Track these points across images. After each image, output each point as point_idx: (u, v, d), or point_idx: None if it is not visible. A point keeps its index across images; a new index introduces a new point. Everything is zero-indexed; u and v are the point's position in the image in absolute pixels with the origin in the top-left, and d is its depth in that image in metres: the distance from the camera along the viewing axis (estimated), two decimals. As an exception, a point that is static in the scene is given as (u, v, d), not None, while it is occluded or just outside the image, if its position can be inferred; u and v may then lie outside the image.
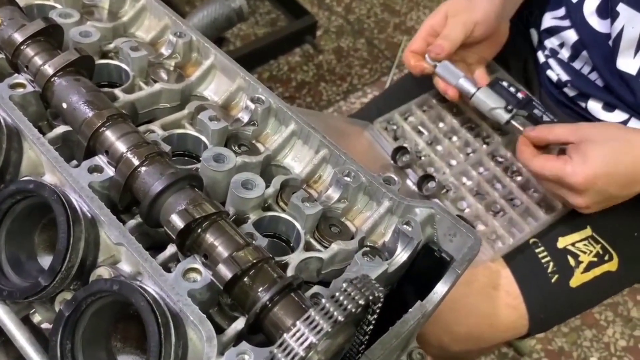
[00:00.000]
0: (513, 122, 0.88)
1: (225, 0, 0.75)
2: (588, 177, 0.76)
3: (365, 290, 0.36)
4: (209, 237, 0.41)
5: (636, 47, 0.85)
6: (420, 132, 1.00)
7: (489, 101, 0.89)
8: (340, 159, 0.52)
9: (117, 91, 0.56)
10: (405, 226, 0.48)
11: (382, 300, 0.38)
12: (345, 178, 0.50)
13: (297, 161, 0.55)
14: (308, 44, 2.29)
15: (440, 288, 0.46)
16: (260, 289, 0.39)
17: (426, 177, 0.92)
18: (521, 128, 0.87)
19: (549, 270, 0.86)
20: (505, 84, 0.92)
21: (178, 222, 0.40)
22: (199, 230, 0.41)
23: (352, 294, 0.35)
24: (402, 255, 0.48)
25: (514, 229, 0.89)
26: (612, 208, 0.91)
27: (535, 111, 0.90)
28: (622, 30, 0.85)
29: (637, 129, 0.80)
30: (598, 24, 0.89)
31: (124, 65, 0.58)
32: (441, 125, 1.01)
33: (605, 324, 1.64)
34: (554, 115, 1.01)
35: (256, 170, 0.52)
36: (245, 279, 0.39)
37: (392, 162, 0.96)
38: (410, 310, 0.43)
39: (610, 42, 0.87)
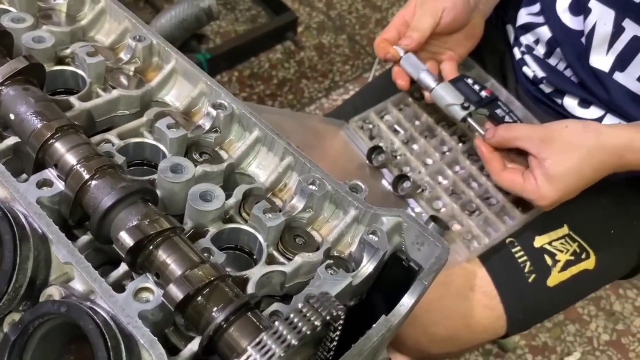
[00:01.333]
0: (469, 120, 0.85)
1: (194, 0, 0.72)
2: (554, 199, 0.77)
3: (323, 310, 0.34)
4: (161, 255, 0.39)
5: (608, 44, 0.84)
6: (396, 131, 0.99)
7: (447, 97, 0.86)
8: (305, 166, 0.50)
9: (72, 99, 0.53)
10: (371, 236, 0.46)
11: (342, 317, 0.37)
12: (310, 187, 0.49)
13: (262, 169, 0.53)
14: (289, 40, 2.27)
15: (406, 300, 0.44)
16: (215, 309, 0.37)
17: (401, 177, 0.91)
18: (477, 127, 0.84)
19: (526, 270, 0.85)
20: (470, 81, 0.89)
21: (127, 239, 0.39)
22: (151, 248, 0.40)
23: (307, 314, 0.34)
24: (367, 266, 0.46)
25: (490, 228, 0.88)
26: (589, 207, 0.90)
27: (498, 111, 0.87)
28: (594, 27, 0.84)
29: (594, 130, 0.77)
30: (571, 21, 0.88)
31: (80, 72, 0.56)
32: (417, 123, 0.99)
33: (588, 319, 1.65)
34: (532, 112, 1.00)
35: (218, 180, 0.50)
36: (199, 299, 0.38)
37: (367, 161, 0.94)
38: (374, 325, 0.41)
39: (583, 39, 0.87)
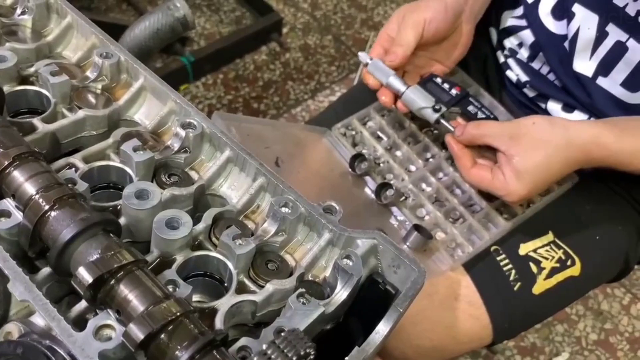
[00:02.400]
0: (443, 121, 0.84)
1: (168, 10, 0.70)
2: (522, 195, 0.77)
3: (290, 351, 0.33)
4: (123, 291, 0.38)
5: (592, 48, 0.83)
6: (379, 138, 0.97)
7: (418, 100, 0.84)
8: (278, 188, 0.49)
9: (36, 121, 0.51)
10: (345, 260, 0.45)
11: (313, 354, 0.35)
12: (283, 209, 0.47)
13: (235, 189, 0.51)
14: (274, 41, 2.25)
15: (382, 328, 0.43)
16: (179, 347, 0.36)
17: (384, 185, 0.89)
18: (451, 128, 0.83)
19: (511, 278, 0.84)
20: (439, 80, 0.88)
21: (86, 276, 0.37)
22: (112, 283, 0.38)
23: (272, 357, 0.32)
24: (341, 293, 0.45)
25: (474, 236, 0.87)
26: (573, 213, 0.90)
27: (470, 108, 0.86)
28: (577, 31, 0.83)
29: (562, 126, 0.76)
30: (554, 25, 0.87)
31: (44, 91, 0.54)
32: (400, 130, 0.98)
33: (576, 318, 1.65)
34: (515, 116, 0.99)
35: (188, 203, 0.49)
36: (162, 337, 0.36)
37: (350, 170, 0.93)
38: (346, 358, 0.40)
39: (566, 44, 0.85)
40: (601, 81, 0.85)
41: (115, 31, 1.21)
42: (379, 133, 0.98)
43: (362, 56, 0.88)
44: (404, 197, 0.91)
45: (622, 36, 0.80)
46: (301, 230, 0.49)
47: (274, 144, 0.84)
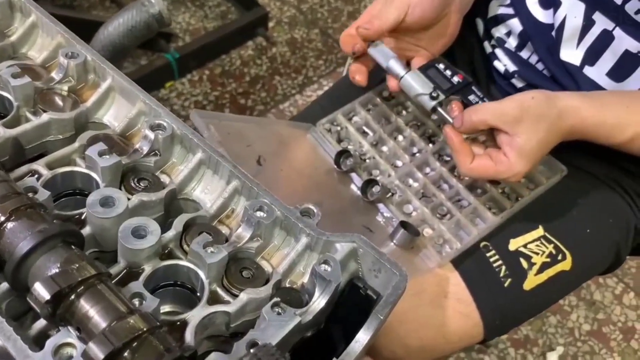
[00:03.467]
0: (440, 110, 0.79)
1: (143, 6, 0.67)
2: (525, 172, 0.75)
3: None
4: (83, 306, 0.35)
5: (579, 37, 0.81)
6: (365, 133, 0.95)
7: (416, 86, 0.80)
8: (252, 191, 0.46)
9: (-3, 126, 0.49)
10: (323, 266, 0.43)
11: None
12: (258, 213, 0.45)
13: (208, 193, 0.49)
14: (260, 36, 2.21)
15: (362, 336, 0.41)
16: (143, 366, 0.34)
17: (370, 182, 0.87)
18: (449, 118, 0.79)
19: (501, 274, 0.83)
20: (441, 66, 0.83)
21: (42, 292, 0.35)
22: (72, 298, 0.36)
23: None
24: (319, 301, 0.43)
25: (462, 231, 0.85)
26: (564, 206, 0.88)
27: (471, 97, 0.81)
28: (564, 20, 0.81)
29: (553, 95, 0.75)
30: (541, 14, 0.85)
31: (6, 94, 0.51)
32: (386, 124, 0.96)
33: (569, 309, 1.64)
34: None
35: (158, 208, 0.46)
36: (125, 355, 0.34)
37: (335, 166, 0.90)
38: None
39: (553, 33, 0.83)
40: (588, 70, 0.83)
41: (96, 29, 1.18)
42: (365, 128, 0.96)
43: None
44: (390, 194, 0.89)
45: (608, 25, 0.78)
46: (278, 234, 0.47)
47: (255, 142, 0.81)
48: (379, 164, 0.91)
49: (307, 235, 0.45)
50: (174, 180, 0.48)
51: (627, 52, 0.79)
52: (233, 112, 2.02)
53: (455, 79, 0.83)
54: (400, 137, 0.95)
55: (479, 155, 0.78)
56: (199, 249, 0.42)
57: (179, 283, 0.44)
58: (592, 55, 0.81)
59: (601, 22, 0.78)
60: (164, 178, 0.49)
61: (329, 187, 0.89)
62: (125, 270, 0.41)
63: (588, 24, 0.80)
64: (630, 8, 0.75)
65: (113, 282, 0.39)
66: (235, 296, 0.43)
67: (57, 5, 2.25)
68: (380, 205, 0.88)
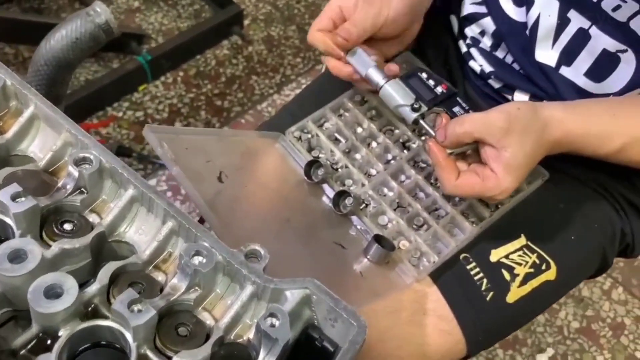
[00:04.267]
0: (422, 122, 0.74)
1: (88, 16, 0.62)
2: (515, 187, 0.70)
3: None
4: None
5: (554, 36, 0.76)
6: (337, 140, 0.90)
7: (396, 96, 0.75)
8: (190, 232, 0.41)
9: None
10: (270, 320, 0.37)
11: None
12: (195, 260, 0.39)
13: (143, 234, 0.44)
14: (236, 35, 2.15)
15: (316, 393, 0.36)
16: None
17: (342, 194, 0.82)
18: (431, 131, 0.73)
19: (483, 288, 0.78)
20: (424, 75, 0.78)
21: None
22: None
23: None
24: None
25: (440, 243, 0.80)
26: (546, 213, 0.84)
27: (456, 109, 0.77)
28: (538, 18, 0.77)
29: (538, 106, 0.70)
30: (514, 12, 0.80)
31: None
32: (359, 130, 0.91)
33: (557, 307, 1.61)
34: (481, 110, 0.92)
35: (84, 256, 0.41)
36: None
37: (305, 178, 0.85)
38: None
39: (527, 32, 0.79)
40: (564, 71, 0.79)
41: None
42: (337, 135, 0.91)
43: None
44: (364, 205, 0.84)
45: (584, 23, 0.73)
46: (221, 281, 0.41)
47: (217, 157, 0.76)
48: (351, 173, 0.86)
49: (252, 282, 0.40)
50: (105, 220, 0.43)
51: (605, 52, 0.74)
52: (209, 114, 1.96)
53: (439, 89, 0.78)
54: (374, 144, 0.90)
55: (464, 171, 0.72)
56: (122, 308, 0.36)
57: (105, 344, 0.39)
58: (568, 55, 0.77)
59: (577, 21, 0.74)
60: (93, 218, 0.43)
61: (299, 200, 0.84)
62: (37, 338, 0.36)
63: (563, 22, 0.75)
64: (607, 5, 0.70)
65: (22, 352, 0.33)
66: (169, 358, 0.37)
67: (24, 9, 2.17)
68: (354, 218, 0.83)
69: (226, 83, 2.06)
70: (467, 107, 0.79)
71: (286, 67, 2.13)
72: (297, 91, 2.07)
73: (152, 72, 1.99)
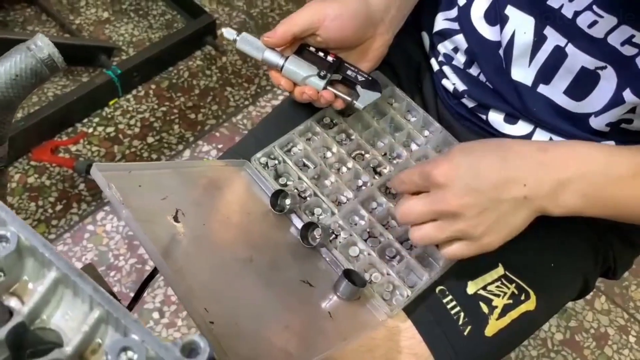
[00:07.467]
0: (330, 88, 0.78)
1: (28, 50, 0.56)
2: (451, 168, 0.62)
3: None
4: None
5: (530, 54, 0.73)
6: (305, 166, 0.86)
7: (300, 70, 0.78)
8: (119, 322, 0.36)
9: None
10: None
11: None
12: (122, 357, 0.34)
13: (70, 320, 0.38)
14: (209, 45, 2.10)
15: None
16: None
17: (310, 225, 0.78)
18: (346, 97, 0.79)
19: (460, 322, 0.74)
20: (312, 49, 0.80)
21: None
22: None
23: None
24: None
25: (413, 275, 0.76)
26: (524, 241, 0.79)
27: (349, 72, 0.80)
28: (513, 36, 0.73)
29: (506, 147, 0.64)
30: (488, 31, 0.76)
31: None
32: (328, 155, 0.86)
33: (541, 320, 1.58)
34: (454, 130, 0.88)
35: (0, 350, 0.36)
36: None
37: (272, 208, 0.81)
38: None
39: (501, 52, 0.75)
40: (543, 89, 0.75)
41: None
42: (305, 160, 0.86)
43: (227, 33, 0.80)
44: (334, 236, 0.80)
45: (560, 41, 0.70)
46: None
47: (173, 193, 0.71)
48: (320, 202, 0.82)
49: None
50: (27, 304, 0.37)
51: (583, 69, 0.71)
52: (183, 127, 1.90)
53: (330, 58, 0.80)
54: (344, 169, 0.86)
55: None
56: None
57: None
58: (546, 74, 0.73)
59: (553, 38, 0.70)
60: (14, 302, 0.38)
61: (264, 234, 0.79)
62: None
63: (539, 40, 0.71)
64: (582, 22, 0.67)
65: None
66: None
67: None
68: (323, 250, 0.79)
69: (200, 95, 2.01)
70: (355, 69, 0.80)
71: (261, 78, 2.08)
72: (274, 102, 2.02)
73: (122, 86, 1.92)
